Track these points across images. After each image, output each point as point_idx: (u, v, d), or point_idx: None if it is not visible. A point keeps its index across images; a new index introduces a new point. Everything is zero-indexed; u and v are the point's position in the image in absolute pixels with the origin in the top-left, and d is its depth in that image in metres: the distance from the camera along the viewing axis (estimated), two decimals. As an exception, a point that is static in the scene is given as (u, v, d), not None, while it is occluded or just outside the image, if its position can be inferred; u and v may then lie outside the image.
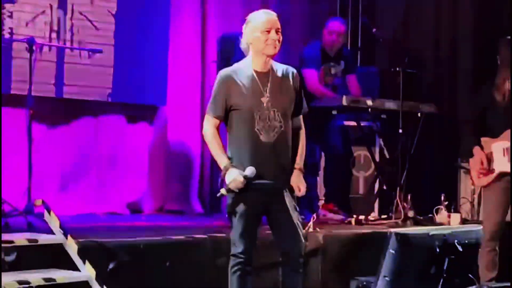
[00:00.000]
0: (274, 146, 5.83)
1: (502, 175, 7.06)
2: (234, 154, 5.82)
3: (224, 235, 7.30)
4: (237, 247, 5.80)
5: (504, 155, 7.07)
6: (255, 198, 5.80)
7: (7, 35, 8.98)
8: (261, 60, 5.88)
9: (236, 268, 5.78)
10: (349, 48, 10.51)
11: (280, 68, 5.99)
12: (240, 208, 5.78)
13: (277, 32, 5.85)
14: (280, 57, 6.28)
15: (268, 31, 5.84)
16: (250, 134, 5.79)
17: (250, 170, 5.59)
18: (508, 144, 7.05)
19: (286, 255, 5.93)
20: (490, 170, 7.13)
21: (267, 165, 5.78)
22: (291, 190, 5.91)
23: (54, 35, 9.53)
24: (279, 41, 5.87)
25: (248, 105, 5.80)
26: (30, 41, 8.14)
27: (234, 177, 5.62)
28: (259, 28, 5.87)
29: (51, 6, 9.51)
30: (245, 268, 5.83)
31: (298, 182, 5.92)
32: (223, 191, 5.76)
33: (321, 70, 9.31)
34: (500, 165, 7.08)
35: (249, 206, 5.78)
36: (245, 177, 5.60)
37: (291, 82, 5.96)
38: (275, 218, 5.89)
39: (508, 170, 7.04)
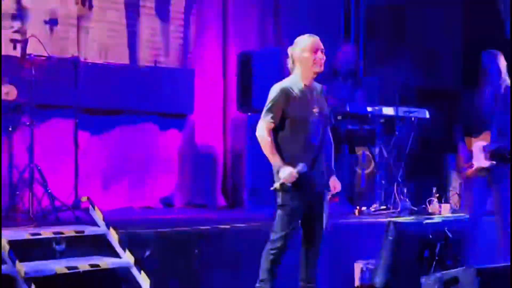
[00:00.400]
0: (320, 149, 6.03)
1: (479, 169, 7.21)
2: (286, 154, 5.92)
3: (244, 225, 7.52)
4: (279, 236, 5.92)
5: (481, 152, 7.21)
6: (304, 195, 5.92)
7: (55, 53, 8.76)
8: (309, 76, 6.06)
9: (273, 253, 5.92)
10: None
11: (315, 84, 6.17)
12: (292, 202, 5.89)
13: (322, 52, 6.05)
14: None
15: (315, 52, 6.02)
16: (303, 138, 5.94)
17: (300, 166, 5.74)
18: (485, 143, 7.18)
19: (310, 243, 6.08)
20: (470, 165, 7.29)
21: (316, 164, 5.97)
22: (328, 188, 6.14)
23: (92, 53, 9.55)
24: (323, 60, 6.08)
25: (304, 114, 5.96)
26: (75, 60, 8.33)
27: (289, 172, 5.73)
28: (307, 50, 6.03)
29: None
30: (280, 255, 5.96)
31: (335, 182, 6.16)
32: (276, 185, 5.85)
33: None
34: (478, 161, 7.22)
35: (300, 201, 5.91)
36: (297, 172, 5.74)
37: (324, 96, 6.20)
38: (312, 214, 6.02)
39: (484, 165, 7.18)
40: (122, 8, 9.78)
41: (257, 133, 6.03)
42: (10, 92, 4.76)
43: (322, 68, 6.06)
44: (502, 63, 7.32)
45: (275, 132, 6.02)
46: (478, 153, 7.24)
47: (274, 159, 5.91)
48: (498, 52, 7.38)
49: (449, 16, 10.69)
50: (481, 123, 7.33)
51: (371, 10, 11.45)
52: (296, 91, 6.01)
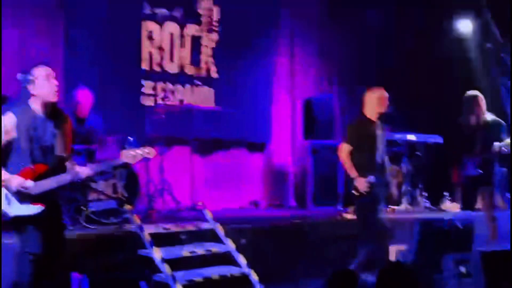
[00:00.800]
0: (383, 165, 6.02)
1: (468, 178, 6.91)
2: (360, 169, 5.87)
3: (310, 221, 7.48)
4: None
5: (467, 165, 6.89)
6: (376, 200, 5.92)
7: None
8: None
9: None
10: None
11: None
12: (368, 206, 5.89)
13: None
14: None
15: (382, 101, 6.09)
16: (373, 157, 5.90)
17: (371, 178, 5.75)
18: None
19: None
20: (459, 176, 7.02)
21: (380, 178, 5.94)
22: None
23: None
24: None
25: (373, 140, 5.94)
26: (191, 107, 8.42)
27: (364, 181, 5.75)
28: (375, 98, 6.09)
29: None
30: None
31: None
32: (354, 192, 5.87)
33: None
34: (467, 171, 6.88)
35: (374, 204, 5.90)
36: (368, 182, 5.75)
37: None
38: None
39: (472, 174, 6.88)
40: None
41: (340, 152, 6.07)
42: (150, 152, 4.75)
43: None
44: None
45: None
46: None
47: (352, 172, 5.90)
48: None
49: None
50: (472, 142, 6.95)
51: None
52: (367, 124, 6.06)
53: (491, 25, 9.06)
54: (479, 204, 7.00)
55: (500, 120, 6.98)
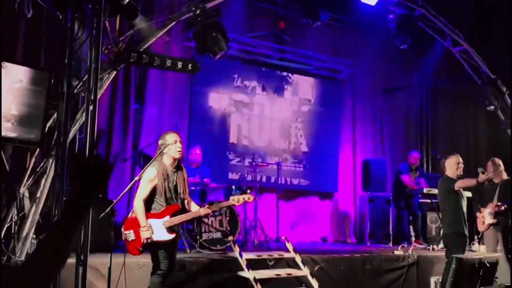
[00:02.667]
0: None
1: (488, 225, 6.64)
2: None
3: (368, 254, 7.38)
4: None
5: (489, 214, 6.64)
6: None
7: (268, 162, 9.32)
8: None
9: None
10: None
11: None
12: None
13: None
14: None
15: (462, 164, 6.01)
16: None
17: None
18: (489, 209, 6.62)
19: None
20: (483, 223, 6.78)
21: None
22: None
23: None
24: None
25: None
26: (279, 163, 8.55)
27: None
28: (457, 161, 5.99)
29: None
30: None
31: None
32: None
33: (410, 175, 9.19)
34: (488, 220, 6.65)
35: None
36: None
37: None
38: None
39: (491, 222, 6.62)
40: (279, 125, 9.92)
41: None
42: (250, 197, 4.95)
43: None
44: None
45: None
46: (487, 215, 6.65)
47: None
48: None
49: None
50: (485, 198, 6.77)
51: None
52: None
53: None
54: (499, 247, 6.72)
55: None
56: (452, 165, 6.02)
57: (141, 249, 4.45)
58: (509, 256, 6.61)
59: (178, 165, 4.64)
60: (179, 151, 4.55)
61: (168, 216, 4.51)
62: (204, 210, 4.69)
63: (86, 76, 4.79)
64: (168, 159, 4.55)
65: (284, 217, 8.94)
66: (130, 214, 4.58)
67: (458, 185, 5.86)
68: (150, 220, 4.47)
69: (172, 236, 4.51)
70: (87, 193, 1.47)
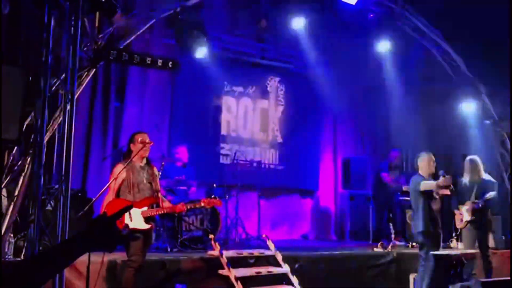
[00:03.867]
0: None
1: (466, 222, 6.72)
2: None
3: (348, 252, 7.34)
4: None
5: (466, 212, 6.71)
6: None
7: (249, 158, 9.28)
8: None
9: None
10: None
11: None
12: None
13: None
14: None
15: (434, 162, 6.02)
16: None
17: None
18: (466, 207, 6.69)
19: None
20: (461, 220, 6.82)
21: None
22: None
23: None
24: None
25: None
26: (259, 162, 8.55)
27: None
28: (429, 159, 6.03)
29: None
30: None
31: None
32: None
33: (389, 174, 9.18)
34: (465, 217, 6.71)
35: None
36: None
37: None
38: None
39: (468, 219, 6.67)
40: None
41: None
42: (219, 203, 5.19)
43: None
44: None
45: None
46: (464, 213, 6.72)
47: None
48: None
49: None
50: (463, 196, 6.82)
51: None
52: None
53: (489, 107, 8.99)
54: (476, 244, 6.77)
55: (493, 179, 6.85)
56: (425, 164, 6.05)
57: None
58: (486, 253, 6.69)
59: (147, 162, 4.90)
60: (146, 149, 4.80)
61: (146, 207, 4.70)
62: (179, 207, 4.91)
63: (64, 74, 4.73)
64: (137, 156, 4.79)
65: (265, 215, 8.92)
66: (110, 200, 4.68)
67: (422, 186, 5.88)
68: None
69: (148, 226, 4.69)
70: (86, 246, 1.55)
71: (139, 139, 4.80)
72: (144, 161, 4.85)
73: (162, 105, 8.50)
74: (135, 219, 4.61)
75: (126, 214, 4.58)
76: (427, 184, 5.88)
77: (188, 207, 5.08)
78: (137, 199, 4.69)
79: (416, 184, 5.96)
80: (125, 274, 4.62)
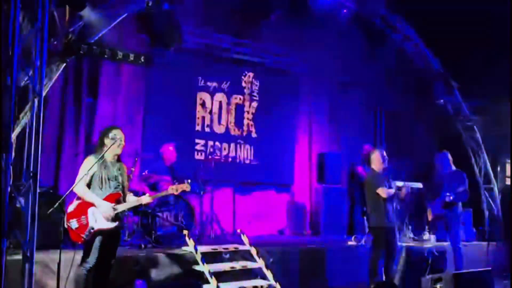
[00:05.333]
0: None
1: (438, 215, 6.82)
2: None
3: (322, 246, 7.43)
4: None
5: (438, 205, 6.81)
6: None
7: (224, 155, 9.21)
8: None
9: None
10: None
11: None
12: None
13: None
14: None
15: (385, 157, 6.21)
16: None
17: None
18: (438, 200, 6.78)
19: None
20: (433, 213, 6.91)
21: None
22: None
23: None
24: None
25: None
26: (234, 158, 8.50)
27: None
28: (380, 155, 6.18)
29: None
30: None
31: None
32: None
33: (363, 167, 9.18)
34: (437, 210, 6.80)
35: None
36: None
37: None
38: None
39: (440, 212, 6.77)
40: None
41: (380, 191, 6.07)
42: (187, 186, 5.01)
43: None
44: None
45: None
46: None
47: None
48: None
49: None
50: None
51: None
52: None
53: (461, 103, 9.13)
54: (447, 237, 6.89)
55: (463, 173, 6.96)
56: (378, 159, 6.21)
57: (84, 236, 4.46)
58: (457, 245, 6.80)
59: (118, 158, 4.82)
60: (120, 146, 4.74)
61: (112, 204, 4.61)
62: (145, 199, 4.84)
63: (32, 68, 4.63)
64: (110, 152, 4.71)
65: (241, 210, 8.94)
66: (70, 207, 4.58)
67: (379, 191, 6.05)
68: (93, 208, 4.54)
69: (115, 224, 4.61)
70: None
71: (116, 135, 4.70)
72: (116, 157, 4.79)
73: (136, 100, 8.39)
74: (100, 219, 4.53)
75: (91, 215, 4.50)
76: (383, 192, 6.04)
77: (154, 197, 5.02)
78: (107, 195, 4.62)
79: (372, 183, 6.14)
80: (78, 271, 4.54)
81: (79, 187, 4.51)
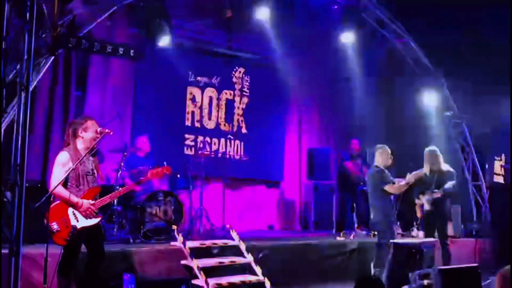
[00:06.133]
0: None
1: (426, 212, 6.83)
2: None
3: (311, 241, 7.43)
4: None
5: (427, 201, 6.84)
6: None
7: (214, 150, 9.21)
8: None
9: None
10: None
11: None
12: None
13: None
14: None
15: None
16: None
17: None
18: (427, 196, 6.80)
19: None
20: (422, 210, 6.95)
21: None
22: None
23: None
24: None
25: None
26: (223, 153, 8.48)
27: None
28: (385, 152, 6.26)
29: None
30: None
31: None
32: None
33: (352, 162, 9.29)
34: (426, 207, 6.81)
35: None
36: None
37: None
38: None
39: (428, 209, 6.80)
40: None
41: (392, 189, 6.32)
42: (168, 168, 5.01)
43: None
44: None
45: None
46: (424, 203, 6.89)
47: None
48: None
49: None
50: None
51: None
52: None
53: (450, 98, 9.17)
54: (436, 233, 6.92)
55: (452, 170, 6.99)
56: (385, 156, 6.31)
57: (68, 238, 4.37)
58: (445, 241, 6.84)
59: (91, 150, 4.59)
60: (96, 139, 4.53)
61: (90, 200, 4.49)
62: (126, 188, 4.81)
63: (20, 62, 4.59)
64: (83, 144, 4.51)
65: (231, 206, 8.91)
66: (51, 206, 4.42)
67: (386, 187, 6.18)
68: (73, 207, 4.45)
69: (98, 219, 4.51)
70: None
71: (94, 128, 4.50)
72: (87, 149, 4.54)
73: (125, 94, 8.37)
74: (81, 217, 4.42)
75: (71, 215, 4.39)
76: (392, 189, 6.23)
77: (137, 184, 4.98)
78: (85, 191, 4.49)
79: (381, 179, 6.19)
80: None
81: (55, 186, 4.27)
